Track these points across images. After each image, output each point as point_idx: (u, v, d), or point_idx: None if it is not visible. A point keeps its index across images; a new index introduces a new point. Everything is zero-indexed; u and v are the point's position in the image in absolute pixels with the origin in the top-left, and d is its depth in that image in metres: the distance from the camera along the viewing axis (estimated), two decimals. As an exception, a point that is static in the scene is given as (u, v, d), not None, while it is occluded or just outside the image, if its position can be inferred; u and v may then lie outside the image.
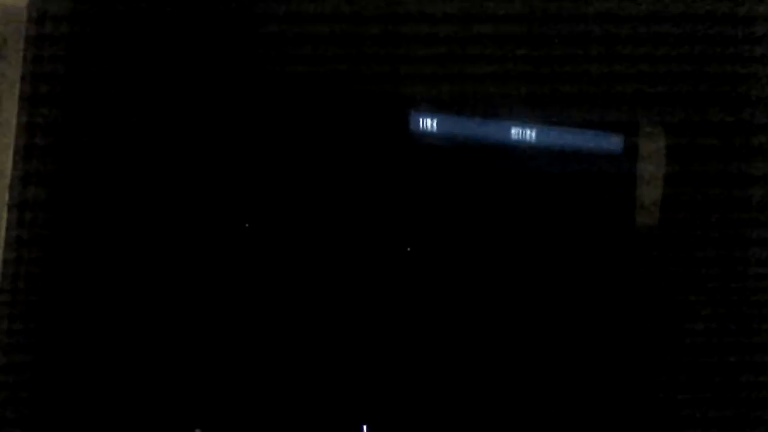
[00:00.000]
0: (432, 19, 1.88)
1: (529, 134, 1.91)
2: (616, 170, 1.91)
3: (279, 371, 1.84)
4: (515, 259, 1.89)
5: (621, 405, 1.87)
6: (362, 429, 1.85)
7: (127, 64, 1.91)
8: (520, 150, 1.91)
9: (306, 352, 1.85)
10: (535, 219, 1.90)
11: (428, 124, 1.90)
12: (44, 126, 1.88)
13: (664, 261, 1.87)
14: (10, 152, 1.87)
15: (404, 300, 1.88)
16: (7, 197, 1.86)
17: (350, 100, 1.89)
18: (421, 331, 1.87)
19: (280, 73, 1.88)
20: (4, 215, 1.86)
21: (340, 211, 1.89)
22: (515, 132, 1.91)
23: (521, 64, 1.89)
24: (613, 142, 1.91)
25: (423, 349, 1.87)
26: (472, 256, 1.89)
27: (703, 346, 1.84)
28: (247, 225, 1.88)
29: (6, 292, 1.82)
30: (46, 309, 1.83)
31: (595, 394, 1.88)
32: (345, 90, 1.89)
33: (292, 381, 1.84)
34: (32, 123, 1.88)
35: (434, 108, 1.91)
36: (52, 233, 1.86)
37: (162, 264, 1.85)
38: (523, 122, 1.90)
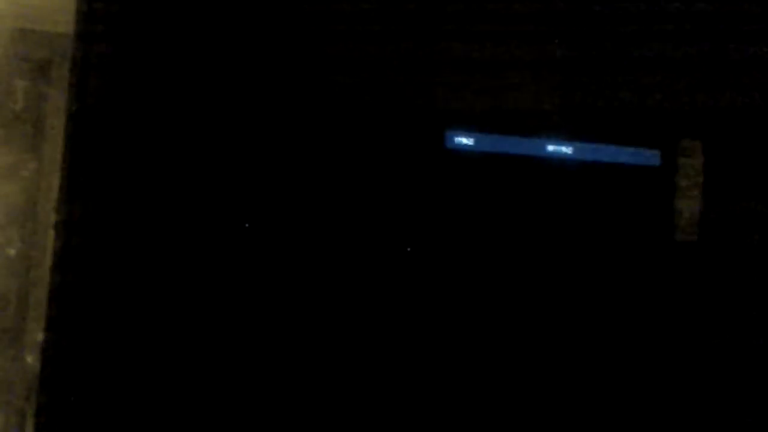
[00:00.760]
0: (467, 36, 1.90)
1: (566, 151, 1.91)
2: (654, 184, 1.90)
3: (282, 372, 1.86)
4: (552, 273, 1.89)
5: (658, 414, 1.85)
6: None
7: (172, 86, 1.95)
8: (556, 164, 1.91)
9: (318, 350, 1.86)
10: (573, 233, 1.90)
11: (464, 142, 1.92)
12: (89, 144, 1.93)
13: (703, 276, 1.86)
14: (57, 174, 1.92)
15: (438, 308, 1.89)
16: (53, 216, 1.91)
17: (384, 117, 1.91)
18: (454, 337, 1.88)
19: (315, 90, 1.91)
20: (50, 239, 1.91)
21: (375, 226, 1.90)
22: (552, 148, 1.91)
23: (557, 80, 1.89)
24: (651, 157, 1.91)
25: (454, 356, 1.88)
26: (509, 270, 1.89)
27: (742, 360, 1.82)
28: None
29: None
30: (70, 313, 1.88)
31: (630, 402, 1.86)
32: (378, 107, 1.91)
33: (297, 381, 1.85)
34: (79, 146, 1.93)
35: (470, 126, 1.92)
36: (97, 258, 1.90)
37: (196, 294, 1.89)
38: (560, 139, 1.91)
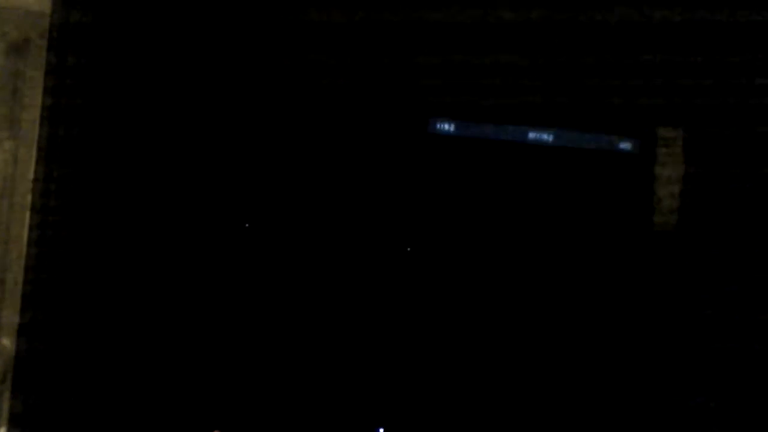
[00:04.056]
0: (450, 28, 1.90)
1: (546, 138, 1.92)
2: (634, 171, 1.92)
3: (286, 370, 1.86)
4: (533, 258, 1.90)
5: (635, 404, 1.88)
6: (378, 431, 1.86)
7: (146, 65, 1.93)
8: (538, 151, 1.92)
9: (316, 350, 1.87)
10: (553, 219, 1.91)
11: (446, 129, 1.92)
12: (66, 124, 1.91)
13: (681, 261, 1.88)
14: (34, 149, 1.89)
15: (425, 295, 1.90)
16: (30, 196, 1.89)
17: (370, 104, 1.91)
18: (440, 327, 1.89)
19: (302, 80, 1.91)
20: (26, 218, 1.88)
21: (360, 212, 1.91)
22: (533, 136, 1.92)
23: (539, 69, 1.90)
24: (631, 145, 1.92)
25: (443, 346, 1.89)
26: (488, 252, 1.91)
27: (719, 345, 1.85)
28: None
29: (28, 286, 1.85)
30: (60, 309, 1.86)
31: (609, 390, 1.89)
32: (365, 97, 1.91)
33: (302, 379, 1.86)
34: (54, 121, 1.91)
35: (453, 114, 1.93)
36: (73, 240, 1.89)
37: (171, 276, 1.88)
38: (541, 126, 1.92)
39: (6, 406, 1.84)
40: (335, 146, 1.89)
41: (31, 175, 1.89)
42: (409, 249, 1.88)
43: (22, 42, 1.91)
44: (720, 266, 1.86)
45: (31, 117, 1.91)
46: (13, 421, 1.83)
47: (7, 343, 1.87)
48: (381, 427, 1.87)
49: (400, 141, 1.89)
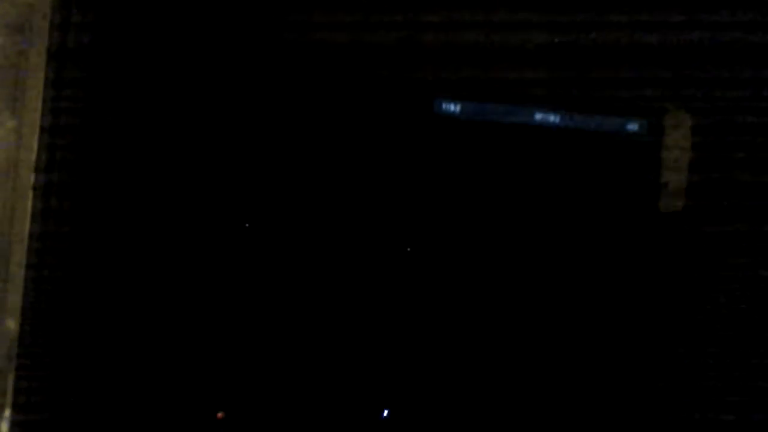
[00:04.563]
0: (455, 7, 1.88)
1: (553, 119, 1.91)
2: (641, 154, 1.91)
3: (288, 367, 1.87)
4: (537, 239, 1.89)
5: (644, 393, 1.88)
6: (383, 414, 1.87)
7: (150, 52, 1.92)
8: (543, 133, 1.91)
9: (319, 345, 1.87)
10: (559, 201, 1.90)
11: (452, 109, 1.91)
12: (69, 109, 1.91)
13: (688, 246, 1.87)
14: (36, 134, 1.89)
15: (427, 285, 1.90)
16: (32, 180, 1.89)
17: (373, 87, 1.90)
18: (443, 319, 1.89)
19: (306, 64, 1.89)
20: (29, 199, 1.89)
21: (362, 197, 1.90)
22: (539, 117, 1.91)
23: (545, 48, 1.89)
24: (638, 126, 1.91)
25: (444, 340, 1.89)
26: (493, 234, 1.90)
27: (727, 332, 1.84)
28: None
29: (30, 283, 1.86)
30: (63, 306, 1.87)
31: (616, 383, 1.89)
32: (367, 77, 1.89)
33: (304, 375, 1.87)
34: (57, 107, 1.90)
35: (458, 94, 1.91)
36: (76, 221, 1.89)
37: (171, 262, 1.88)
38: (547, 108, 1.90)
39: (11, 387, 1.86)
40: (336, 129, 1.88)
41: (34, 155, 1.89)
42: (409, 249, 1.88)
43: (23, 23, 1.90)
44: (726, 250, 1.85)
45: (34, 96, 1.91)
46: (17, 403, 1.84)
47: (12, 324, 1.88)
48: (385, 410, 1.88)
49: (405, 122, 1.88)
